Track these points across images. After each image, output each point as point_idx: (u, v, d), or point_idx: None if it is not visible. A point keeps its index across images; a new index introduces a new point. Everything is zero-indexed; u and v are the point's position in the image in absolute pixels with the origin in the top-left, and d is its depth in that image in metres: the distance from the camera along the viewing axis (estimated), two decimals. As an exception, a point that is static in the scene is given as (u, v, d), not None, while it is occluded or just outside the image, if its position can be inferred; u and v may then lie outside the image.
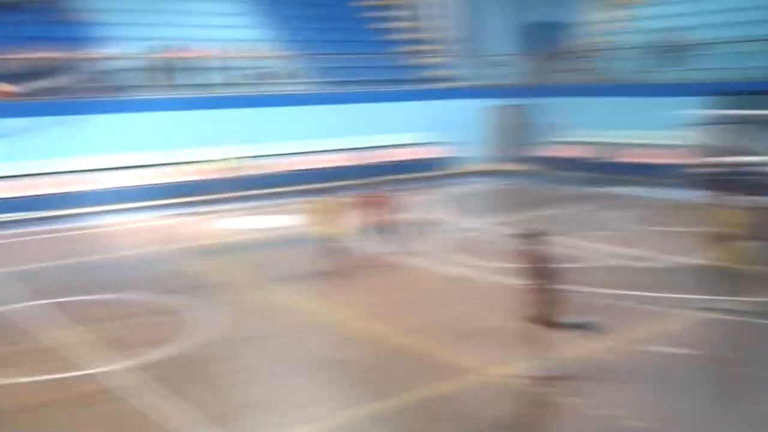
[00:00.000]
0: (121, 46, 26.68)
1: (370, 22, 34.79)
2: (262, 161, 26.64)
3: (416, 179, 28.37)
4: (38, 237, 20.45)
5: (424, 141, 31.26)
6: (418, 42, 35.32)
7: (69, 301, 13.65)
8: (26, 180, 23.59)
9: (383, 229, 16.29)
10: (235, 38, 29.17)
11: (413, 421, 8.60)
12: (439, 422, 8.53)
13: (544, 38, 33.69)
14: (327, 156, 29.10)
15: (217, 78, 28.43)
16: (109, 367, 10.38)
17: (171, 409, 8.96)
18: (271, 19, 32.19)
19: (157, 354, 10.80)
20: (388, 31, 34.68)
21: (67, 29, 26.89)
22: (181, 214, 22.73)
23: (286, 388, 9.58)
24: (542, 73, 32.36)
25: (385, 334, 11.43)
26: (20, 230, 21.08)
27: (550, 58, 32.68)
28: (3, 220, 21.76)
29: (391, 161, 30.02)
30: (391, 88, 31.41)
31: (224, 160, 25.30)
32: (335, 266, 14.69)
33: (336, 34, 32.75)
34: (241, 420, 8.80)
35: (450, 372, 9.88)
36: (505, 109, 32.07)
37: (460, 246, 17.27)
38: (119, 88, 26.75)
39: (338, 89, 30.01)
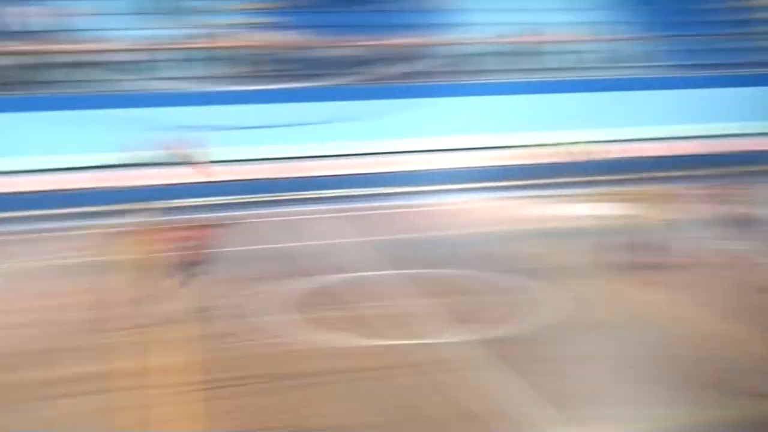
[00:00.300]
0: (474, 32, 27.60)
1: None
2: (598, 146, 26.09)
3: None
4: (391, 211, 22.00)
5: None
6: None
7: (417, 273, 14.56)
8: (380, 158, 25.48)
9: (728, 223, 15.17)
10: (580, 22, 28.82)
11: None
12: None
13: None
14: (665, 144, 27.79)
15: (557, 62, 28.34)
16: (450, 338, 10.92)
17: (507, 386, 9.21)
18: (615, 2, 31.30)
19: (496, 331, 11.13)
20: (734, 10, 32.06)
21: (420, 16, 28.41)
22: (516, 197, 23.07)
23: (628, 382, 9.41)
24: None
25: (738, 338, 10.71)
26: (376, 204, 22.86)
27: None
28: (363, 194, 23.74)
29: (734, 151, 27.81)
30: (734, 72, 28.98)
31: (563, 144, 25.15)
32: (679, 259, 14.03)
33: (680, 15, 30.98)
34: (577, 407, 8.77)
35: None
36: None
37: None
38: (470, 72, 27.81)
39: (680, 73, 28.42)
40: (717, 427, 8.13)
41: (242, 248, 16.25)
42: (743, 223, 15.06)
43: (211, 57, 25.87)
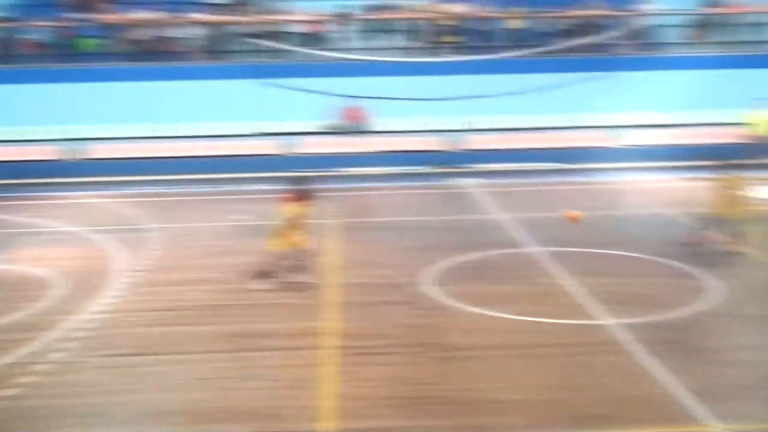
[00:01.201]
0: (662, 2, 26.21)
1: None
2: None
3: None
4: (566, 188, 21.45)
5: None
6: None
7: (583, 252, 14.11)
8: (558, 133, 24.86)
9: None
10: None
11: None
12: None
13: None
14: None
15: (751, 35, 26.38)
16: (607, 321, 10.52)
17: (661, 373, 8.80)
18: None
19: (655, 316, 10.65)
20: None
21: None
22: (697, 178, 21.74)
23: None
24: None
25: None
26: (551, 180, 22.38)
27: None
28: (523, 169, 23.27)
29: None
30: None
31: (752, 123, 23.39)
32: None
33: None
34: (730, 400, 8.23)
35: None
36: None
37: None
38: (655, 45, 26.50)
39: None
40: None
41: (400, 219, 16.39)
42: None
43: (392, 28, 26.13)
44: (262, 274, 12.15)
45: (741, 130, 23.63)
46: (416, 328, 10.54)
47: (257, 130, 24.91)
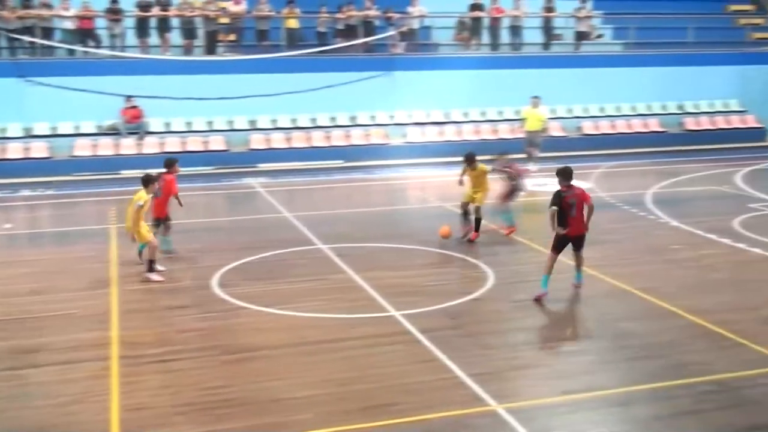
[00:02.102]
0: (432, 5, 27.44)
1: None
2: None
3: (732, 150, 26.49)
4: (340, 185, 21.90)
5: (742, 109, 29.15)
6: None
7: (367, 247, 14.51)
8: (332, 131, 25.32)
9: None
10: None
11: (694, 404, 8.12)
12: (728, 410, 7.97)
13: None
14: (636, 120, 28.21)
15: (517, 37, 28.38)
16: (398, 312, 10.87)
17: (439, 360, 9.23)
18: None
19: (443, 304, 11.14)
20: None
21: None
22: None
23: (565, 354, 9.46)
24: None
25: (674, 311, 10.84)
26: (320, 178, 22.76)
27: None
28: (307, 167, 23.56)
29: (706, 129, 28.39)
30: (713, 50, 29.37)
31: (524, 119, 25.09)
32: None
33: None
34: (512, 381, 8.84)
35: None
36: None
37: (764, 225, 15.89)
38: (427, 46, 27.75)
39: (644, 51, 28.69)
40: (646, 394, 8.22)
41: (185, 221, 16.04)
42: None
43: (167, 26, 25.41)
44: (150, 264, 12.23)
45: (515, 126, 25.37)
46: (205, 331, 10.36)
47: (26, 132, 23.39)
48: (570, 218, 11.20)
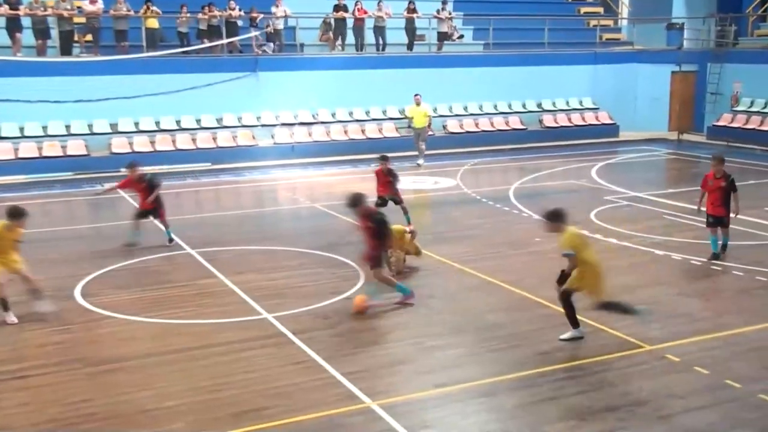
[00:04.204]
0: (295, 6, 27.37)
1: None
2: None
3: (587, 145, 27.76)
4: (205, 188, 21.54)
5: (595, 106, 30.58)
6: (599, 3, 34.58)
7: (237, 250, 14.34)
8: (195, 133, 24.84)
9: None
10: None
11: (554, 390, 8.48)
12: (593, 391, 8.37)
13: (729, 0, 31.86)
14: (497, 118, 29.06)
15: (381, 38, 28.72)
16: (269, 314, 10.81)
17: (312, 361, 9.27)
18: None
19: (314, 305, 11.14)
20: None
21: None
22: (338, 173, 23.19)
23: (435, 349, 9.67)
24: (725, 36, 30.52)
25: (537, 301, 11.26)
26: (191, 181, 22.31)
27: (734, 21, 30.75)
28: (170, 171, 23.02)
29: (561, 126, 29.60)
30: (568, 50, 30.70)
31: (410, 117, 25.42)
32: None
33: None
34: (385, 378, 8.94)
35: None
36: (680, 75, 30.56)
37: (618, 216, 16.75)
38: (292, 47, 27.65)
39: (505, 51, 29.64)
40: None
41: (41, 230, 15.38)
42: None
43: (16, 26, 24.17)
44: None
45: (392, 125, 25.77)
46: (67, 344, 9.96)
47: None
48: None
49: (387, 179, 15.56)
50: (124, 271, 13.20)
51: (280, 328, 10.36)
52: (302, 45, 27.95)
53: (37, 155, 22.63)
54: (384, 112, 27.58)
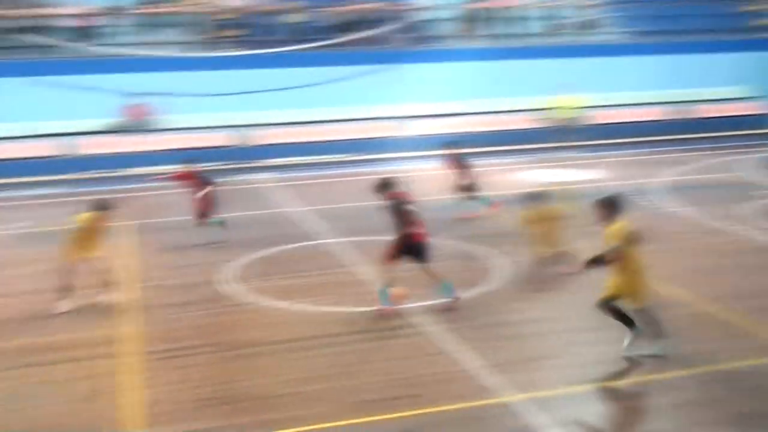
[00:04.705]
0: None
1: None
2: (569, 112, 26.05)
3: (738, 137, 26.40)
4: (348, 179, 21.89)
5: (749, 96, 28.97)
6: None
7: (371, 240, 14.51)
8: (339, 125, 25.30)
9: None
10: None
11: (710, 391, 8.14)
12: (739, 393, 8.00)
13: None
14: (643, 109, 28.06)
15: (521, 28, 28.32)
16: (410, 304, 10.86)
17: (456, 352, 9.25)
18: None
19: (447, 297, 11.15)
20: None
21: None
22: (484, 164, 23.01)
23: (581, 344, 9.48)
24: None
25: (684, 300, 10.84)
26: (335, 171, 22.75)
27: None
28: (314, 162, 23.56)
29: (713, 117, 28.25)
30: (716, 37, 29.25)
31: (532, 110, 25.10)
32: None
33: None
34: (526, 372, 8.82)
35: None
36: None
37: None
38: (430, 38, 27.69)
39: (650, 39, 28.58)
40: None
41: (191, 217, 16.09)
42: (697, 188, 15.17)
43: (169, 23, 25.41)
44: (63, 290, 11.18)
45: (535, 116, 25.37)
46: (213, 327, 10.40)
47: (32, 131, 23.42)
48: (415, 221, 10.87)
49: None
50: (268, 258, 13.63)
51: (417, 318, 10.43)
52: (441, 37, 27.95)
53: (187, 146, 23.70)
54: (523, 103, 27.13)
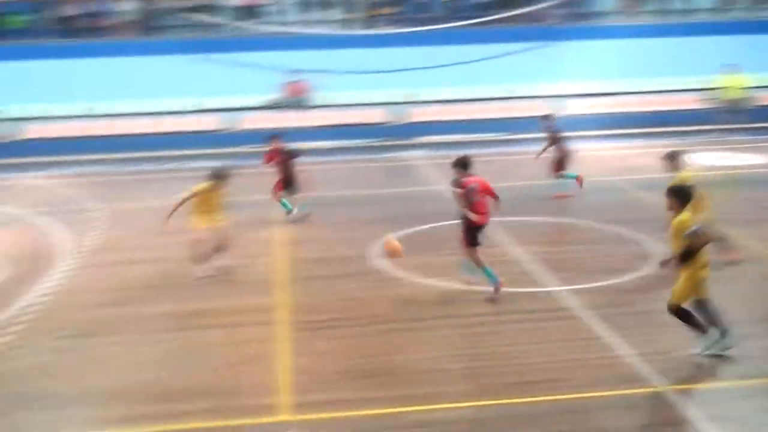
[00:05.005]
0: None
1: None
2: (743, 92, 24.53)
3: None
4: (497, 159, 21.62)
5: None
6: None
7: (524, 221, 14.30)
8: (494, 103, 24.98)
9: None
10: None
11: None
12: None
13: None
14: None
15: (687, 3, 26.94)
16: (560, 287, 10.69)
17: (607, 336, 9.02)
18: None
19: (607, 281, 10.84)
20: None
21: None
22: (641, 146, 22.19)
23: (745, 337, 8.91)
24: None
25: None
26: (481, 151, 22.50)
27: None
28: (469, 140, 23.37)
29: None
30: None
31: (704, 90, 23.83)
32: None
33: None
34: (681, 362, 8.45)
35: None
36: None
37: None
38: (589, 15, 26.83)
39: None
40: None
41: (345, 193, 16.36)
42: None
43: (331, 1, 25.90)
44: (200, 256, 11.71)
45: (701, 96, 24.17)
46: (361, 300, 10.57)
47: (197, 107, 24.53)
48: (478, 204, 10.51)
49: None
50: (417, 235, 13.68)
51: (569, 302, 10.21)
52: (602, 13, 27.00)
53: (343, 123, 24.17)
54: (686, 83, 25.81)
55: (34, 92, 23.37)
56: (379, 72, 24.48)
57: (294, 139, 23.22)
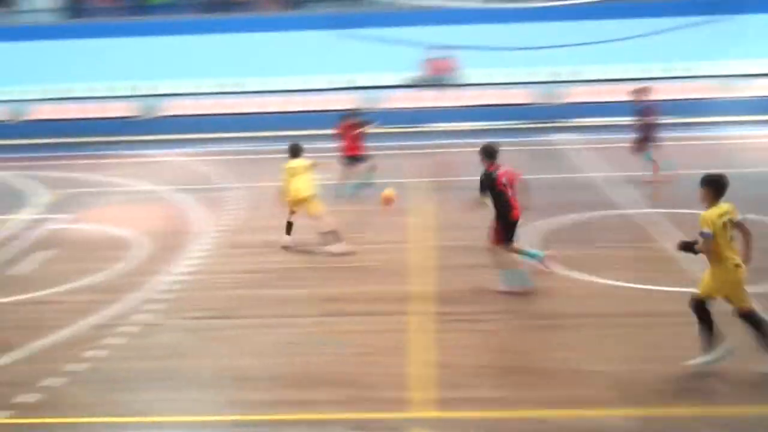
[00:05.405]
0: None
1: None
2: None
3: None
4: (676, 144, 20.15)
5: None
6: None
7: (685, 213, 13.10)
8: (657, 83, 23.40)
9: None
10: None
11: None
12: None
13: None
14: None
15: None
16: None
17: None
18: None
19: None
20: None
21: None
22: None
23: None
24: None
25: None
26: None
27: None
28: (622, 123, 22.01)
29: None
30: None
31: None
32: None
33: None
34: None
35: None
36: None
37: None
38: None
39: None
40: None
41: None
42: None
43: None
44: (331, 235, 11.67)
45: None
46: (509, 293, 9.87)
47: (341, 84, 24.25)
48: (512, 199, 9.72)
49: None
50: (568, 225, 12.87)
51: (726, 306, 9.09)
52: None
53: (489, 103, 23.32)
54: None
55: (175, 68, 23.72)
56: (526, 49, 23.40)
57: (438, 119, 22.82)
